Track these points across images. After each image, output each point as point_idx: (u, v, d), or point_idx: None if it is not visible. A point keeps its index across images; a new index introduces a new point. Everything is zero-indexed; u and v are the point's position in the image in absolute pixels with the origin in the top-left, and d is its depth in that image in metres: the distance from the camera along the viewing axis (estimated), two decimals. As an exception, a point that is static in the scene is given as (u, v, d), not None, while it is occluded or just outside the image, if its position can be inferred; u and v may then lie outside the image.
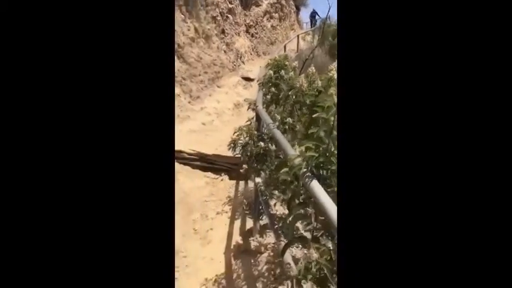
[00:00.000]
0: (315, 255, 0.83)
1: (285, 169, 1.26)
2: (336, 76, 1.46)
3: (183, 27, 5.89)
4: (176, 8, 5.56)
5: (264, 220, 2.34)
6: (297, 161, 1.09)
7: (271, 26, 10.44)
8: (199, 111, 5.19)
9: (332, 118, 1.08)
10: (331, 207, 0.92)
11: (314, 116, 1.09)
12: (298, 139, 1.45)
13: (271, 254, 2.08)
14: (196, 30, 6.34)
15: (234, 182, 3.43)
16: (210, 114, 5.15)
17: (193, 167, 3.62)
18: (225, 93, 6.32)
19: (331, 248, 0.86)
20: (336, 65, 1.46)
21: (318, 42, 7.10)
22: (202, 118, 4.96)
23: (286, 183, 1.21)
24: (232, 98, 6.13)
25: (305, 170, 1.09)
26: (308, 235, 1.05)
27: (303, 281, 0.93)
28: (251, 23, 9.41)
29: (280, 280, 1.83)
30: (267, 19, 10.27)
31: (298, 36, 8.98)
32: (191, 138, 4.14)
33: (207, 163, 3.63)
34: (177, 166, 3.55)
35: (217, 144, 3.93)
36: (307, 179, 1.06)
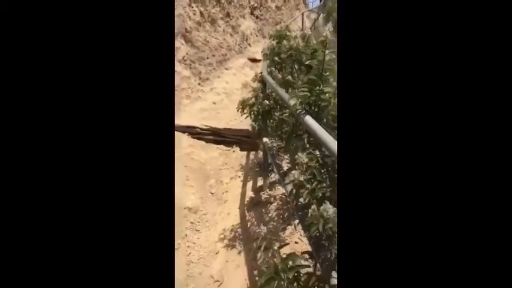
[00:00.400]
0: (305, 159, 1.05)
1: (286, 114, 1.49)
2: (328, 36, 1.65)
3: (189, 11, 6.06)
4: (181, -8, 5.72)
5: (273, 178, 2.59)
6: (292, 101, 1.31)
7: (276, 6, 10.42)
8: (209, 92, 5.42)
9: (321, 64, 1.29)
10: (321, 131, 1.14)
11: (306, 62, 1.30)
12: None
13: (280, 202, 2.33)
14: (202, 14, 6.50)
15: (245, 152, 3.68)
16: (219, 94, 5.37)
17: (207, 141, 3.88)
18: (233, 75, 6.51)
19: (318, 154, 1.09)
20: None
21: (318, 16, 7.14)
22: (212, 98, 5.19)
23: (287, 124, 1.43)
24: (240, 79, 6.32)
25: (300, 109, 1.31)
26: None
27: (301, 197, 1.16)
28: (255, 5, 9.43)
29: (288, 221, 2.09)
30: (271, 0, 10.26)
31: (302, 14, 8.97)
32: (203, 115, 4.39)
33: (219, 136, 3.88)
34: (192, 140, 3.82)
35: (228, 120, 4.17)
36: (301, 116, 1.29)
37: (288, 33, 2.65)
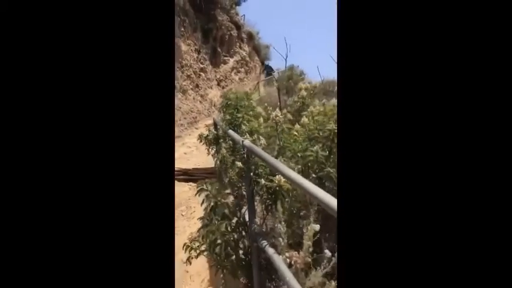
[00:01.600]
0: (223, 145, 2.01)
1: (222, 134, 2.52)
2: (248, 91, 2.81)
3: (163, 84, 7.39)
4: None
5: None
6: (221, 124, 2.36)
7: (239, 78, 12.36)
8: (181, 146, 6.43)
9: (236, 104, 2.38)
10: (234, 134, 2.16)
11: (228, 103, 2.39)
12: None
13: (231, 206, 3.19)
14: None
15: (210, 187, 4.57)
16: (190, 147, 6.38)
17: (179, 180, 4.74)
18: (202, 133, 7.66)
19: (231, 145, 2.07)
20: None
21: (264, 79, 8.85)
22: (184, 150, 6.19)
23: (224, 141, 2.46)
24: (208, 135, 7.46)
25: (227, 127, 2.35)
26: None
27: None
28: (221, 78, 11.22)
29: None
30: (235, 73, 12.22)
31: (258, 83, 10.79)
32: (176, 163, 5.32)
33: (188, 176, 4.77)
34: (166, 181, 4.67)
35: (196, 163, 5.12)
36: (227, 130, 2.32)
37: (234, 93, 3.87)
